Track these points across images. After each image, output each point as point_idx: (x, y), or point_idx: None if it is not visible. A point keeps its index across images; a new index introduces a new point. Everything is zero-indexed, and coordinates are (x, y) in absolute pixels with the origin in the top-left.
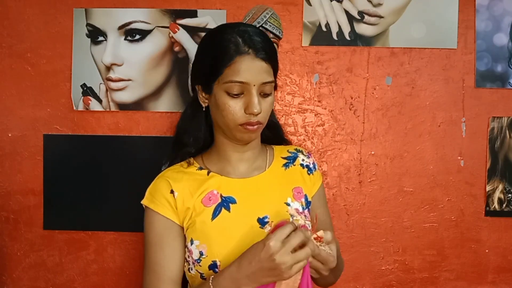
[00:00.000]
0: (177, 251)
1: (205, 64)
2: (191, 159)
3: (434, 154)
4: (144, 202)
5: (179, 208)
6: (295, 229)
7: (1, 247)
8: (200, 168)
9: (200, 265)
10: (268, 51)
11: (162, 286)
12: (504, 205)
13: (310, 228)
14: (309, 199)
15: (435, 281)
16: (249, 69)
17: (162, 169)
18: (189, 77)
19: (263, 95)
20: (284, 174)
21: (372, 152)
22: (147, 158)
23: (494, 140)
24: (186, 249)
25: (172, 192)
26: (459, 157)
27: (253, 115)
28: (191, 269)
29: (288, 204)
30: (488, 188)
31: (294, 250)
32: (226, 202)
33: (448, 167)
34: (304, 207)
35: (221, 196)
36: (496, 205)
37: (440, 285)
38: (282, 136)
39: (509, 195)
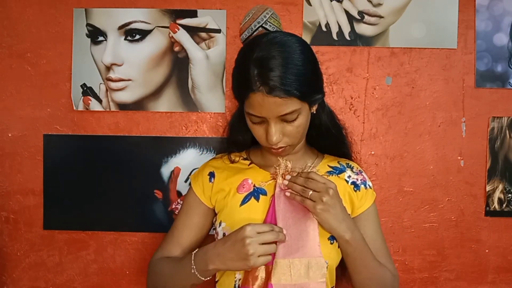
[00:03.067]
0: (196, 225)
1: (232, 88)
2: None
3: (434, 154)
4: (191, 176)
5: (213, 190)
6: (272, 230)
7: (1, 247)
8: (245, 159)
9: None
10: (283, 85)
11: (169, 244)
12: (504, 205)
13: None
14: (348, 212)
15: (435, 281)
16: (262, 105)
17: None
18: None
19: (287, 121)
20: None
21: (372, 152)
22: (147, 158)
23: (494, 140)
24: (215, 231)
25: (210, 174)
26: (459, 157)
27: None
28: None
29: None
30: (488, 188)
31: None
32: (257, 193)
33: (448, 167)
34: None
35: (254, 186)
36: (496, 205)
37: (440, 285)
38: (340, 149)
39: (509, 195)
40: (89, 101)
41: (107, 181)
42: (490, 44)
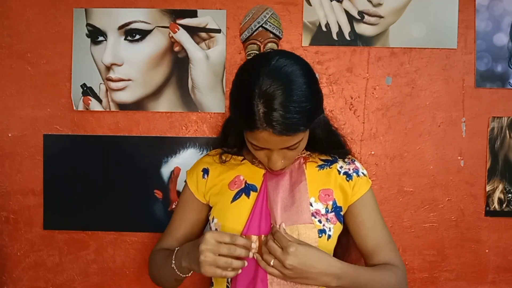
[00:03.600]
0: (190, 221)
1: (232, 112)
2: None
3: (434, 154)
4: (187, 171)
5: (207, 186)
6: (234, 243)
7: (1, 247)
8: (237, 154)
9: None
10: (291, 125)
11: (166, 238)
12: (504, 205)
13: (332, 232)
14: (339, 204)
15: (435, 281)
16: (267, 141)
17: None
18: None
19: (290, 149)
20: (316, 174)
21: (372, 152)
22: (147, 158)
23: (494, 140)
24: (209, 226)
25: (203, 170)
26: (459, 157)
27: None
28: None
29: (310, 204)
30: (488, 188)
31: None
32: (247, 189)
33: (448, 167)
34: (330, 210)
35: (245, 182)
36: (496, 205)
37: (440, 285)
38: (337, 152)
39: (509, 195)
40: (89, 101)
41: (107, 181)
42: (490, 44)
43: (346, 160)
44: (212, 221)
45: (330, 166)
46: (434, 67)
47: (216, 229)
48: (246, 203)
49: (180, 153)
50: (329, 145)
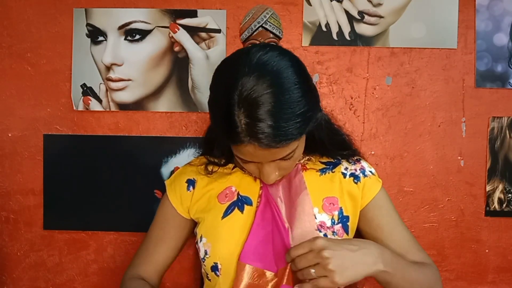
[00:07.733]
0: (171, 240)
1: (212, 123)
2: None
3: (434, 154)
4: (166, 181)
5: (193, 200)
6: None
7: (1, 247)
8: (226, 164)
9: (204, 265)
10: (280, 136)
11: (143, 262)
12: (504, 205)
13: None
14: (346, 214)
15: None
16: (255, 155)
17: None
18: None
19: (283, 159)
20: (317, 181)
21: (372, 152)
22: (147, 158)
23: (494, 140)
24: (197, 246)
25: (188, 181)
26: (459, 157)
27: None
28: (202, 268)
29: (314, 216)
30: (488, 188)
31: None
32: (241, 202)
33: (448, 167)
34: (336, 222)
35: (238, 194)
36: (496, 205)
37: None
38: (342, 154)
39: (509, 195)
40: (89, 101)
41: (107, 181)
42: (490, 44)
43: (350, 160)
44: (200, 240)
45: (333, 170)
46: (434, 67)
47: (205, 251)
48: (239, 218)
49: (180, 153)
50: (332, 147)
